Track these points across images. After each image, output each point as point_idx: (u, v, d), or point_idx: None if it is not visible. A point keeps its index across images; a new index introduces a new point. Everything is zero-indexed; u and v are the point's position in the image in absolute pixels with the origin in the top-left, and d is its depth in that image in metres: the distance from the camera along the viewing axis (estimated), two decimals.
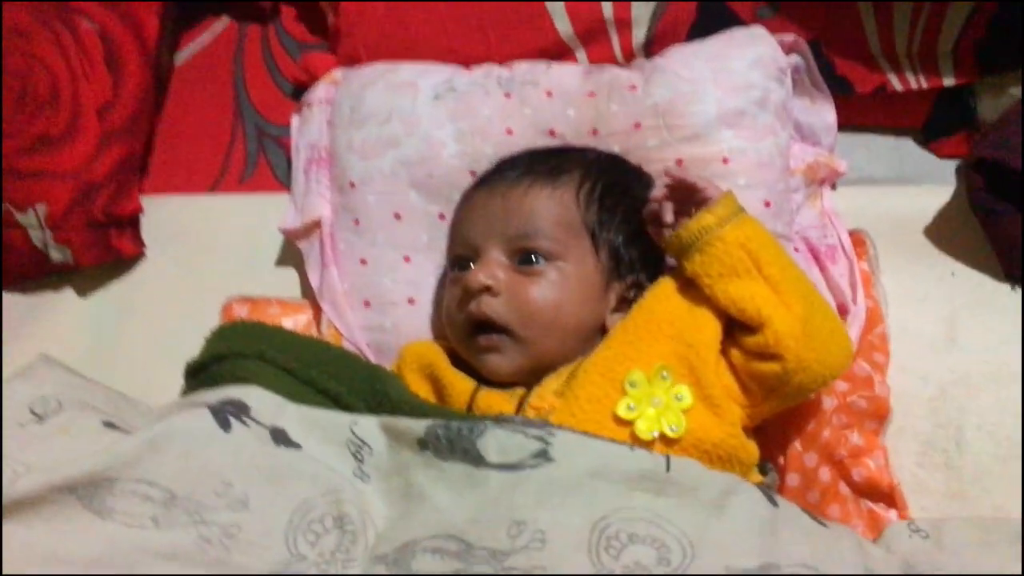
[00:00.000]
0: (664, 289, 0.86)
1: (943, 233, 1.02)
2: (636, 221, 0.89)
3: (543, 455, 0.68)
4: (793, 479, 0.89)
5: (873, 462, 0.90)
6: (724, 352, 0.83)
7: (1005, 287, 0.99)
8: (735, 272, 0.81)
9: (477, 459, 0.69)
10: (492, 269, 0.85)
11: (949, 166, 1.07)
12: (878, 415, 0.91)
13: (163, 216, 1.16)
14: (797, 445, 0.90)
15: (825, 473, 0.89)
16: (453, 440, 0.70)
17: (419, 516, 0.69)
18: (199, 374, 0.85)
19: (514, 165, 0.92)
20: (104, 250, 1.11)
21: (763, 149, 0.97)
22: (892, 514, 0.90)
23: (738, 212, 0.83)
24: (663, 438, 0.78)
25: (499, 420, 0.72)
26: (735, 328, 0.82)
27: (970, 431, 0.93)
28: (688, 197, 0.85)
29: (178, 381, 0.89)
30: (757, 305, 0.80)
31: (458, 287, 0.88)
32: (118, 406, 0.82)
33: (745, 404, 0.82)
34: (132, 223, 1.13)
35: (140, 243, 1.14)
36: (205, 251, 1.14)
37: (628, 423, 0.79)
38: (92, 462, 0.67)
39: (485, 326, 0.85)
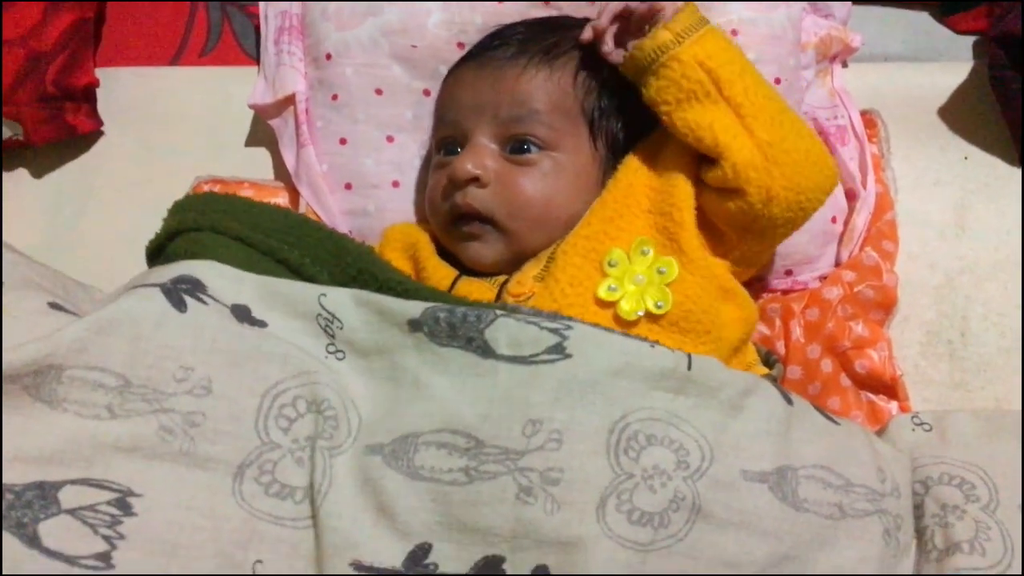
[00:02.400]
0: (637, 158, 0.80)
1: (958, 113, 0.97)
2: (636, 108, 0.82)
3: (559, 349, 0.64)
4: (795, 371, 0.86)
5: (876, 353, 0.87)
6: (699, 207, 0.77)
7: (1018, 171, 0.95)
8: (694, 96, 0.74)
9: (484, 349, 0.64)
10: (481, 158, 0.79)
11: (966, 42, 1.01)
12: (885, 305, 0.88)
13: (121, 90, 1.08)
14: (800, 336, 0.87)
15: (827, 364, 0.86)
16: (456, 325, 0.65)
17: (417, 405, 0.64)
18: (158, 256, 0.78)
19: (507, 41, 0.84)
20: (59, 127, 1.03)
21: (774, 20, 0.90)
22: (893, 406, 0.87)
23: (699, 23, 0.75)
24: (649, 315, 0.74)
25: (509, 309, 0.67)
26: (702, 167, 0.76)
27: (975, 321, 0.90)
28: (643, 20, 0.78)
29: (139, 267, 0.83)
30: (715, 133, 0.73)
31: (443, 173, 0.81)
32: (67, 288, 0.75)
33: (722, 253, 0.78)
34: (87, 97, 1.05)
35: (97, 119, 1.06)
36: (168, 129, 1.06)
37: (610, 304, 0.74)
38: (35, 348, 0.61)
39: (469, 216, 0.79)
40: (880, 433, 0.78)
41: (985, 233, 0.93)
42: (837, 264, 0.91)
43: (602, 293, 0.74)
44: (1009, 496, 0.70)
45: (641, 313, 0.73)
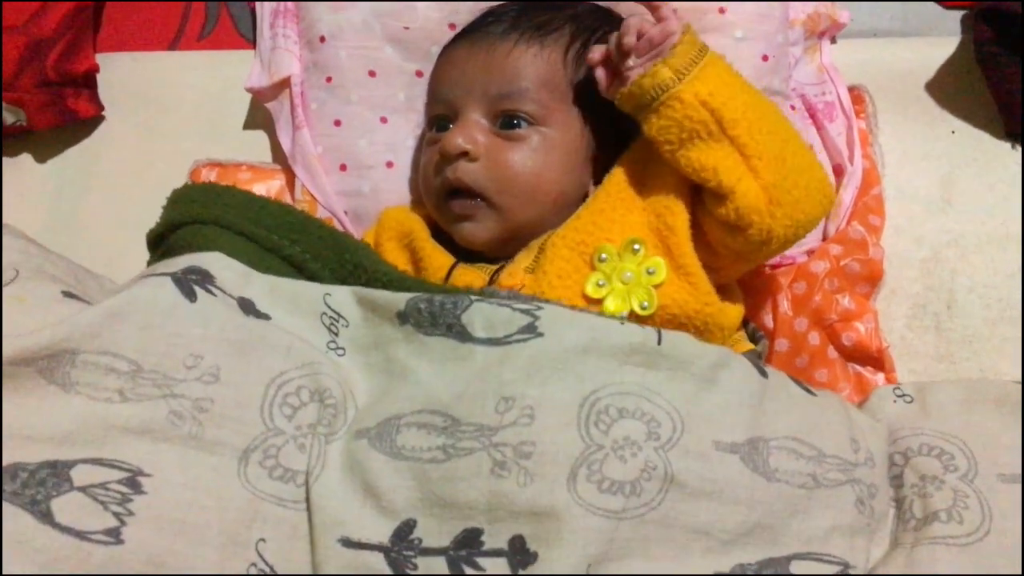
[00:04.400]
0: (636, 154, 0.81)
1: (945, 88, 0.97)
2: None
3: (531, 329, 0.65)
4: (782, 344, 0.88)
5: (863, 326, 0.88)
6: (694, 215, 0.78)
7: (1005, 145, 0.95)
8: (697, 135, 0.74)
9: (461, 333, 0.66)
10: (471, 132, 0.80)
11: (954, 17, 1.01)
12: (871, 278, 0.89)
13: (121, 76, 1.09)
14: (787, 310, 0.88)
15: (815, 337, 0.88)
16: (436, 314, 0.67)
17: (402, 391, 0.66)
18: (160, 244, 0.80)
19: (499, 19, 0.85)
20: (60, 112, 1.04)
21: None
22: (880, 377, 0.89)
23: (699, 57, 0.74)
24: (633, 316, 0.75)
25: (484, 293, 0.69)
26: (703, 192, 0.77)
27: (961, 293, 0.92)
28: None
29: (144, 252, 0.84)
30: (719, 176, 0.74)
31: (435, 149, 0.83)
32: (79, 278, 0.77)
33: (716, 267, 0.79)
34: (88, 83, 1.06)
35: (98, 104, 1.07)
36: (168, 113, 1.08)
37: (597, 302, 0.76)
38: (50, 333, 0.63)
39: (460, 192, 0.81)
40: (862, 404, 0.79)
41: (971, 207, 0.94)
42: (824, 238, 0.92)
43: (589, 289, 0.76)
44: (987, 465, 0.71)
45: (625, 314, 0.75)
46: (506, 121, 0.81)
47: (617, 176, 0.80)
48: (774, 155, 0.74)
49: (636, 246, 0.76)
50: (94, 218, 1.04)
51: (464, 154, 0.80)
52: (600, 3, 0.91)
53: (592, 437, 0.62)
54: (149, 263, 0.82)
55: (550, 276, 0.76)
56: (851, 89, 0.96)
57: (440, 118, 0.84)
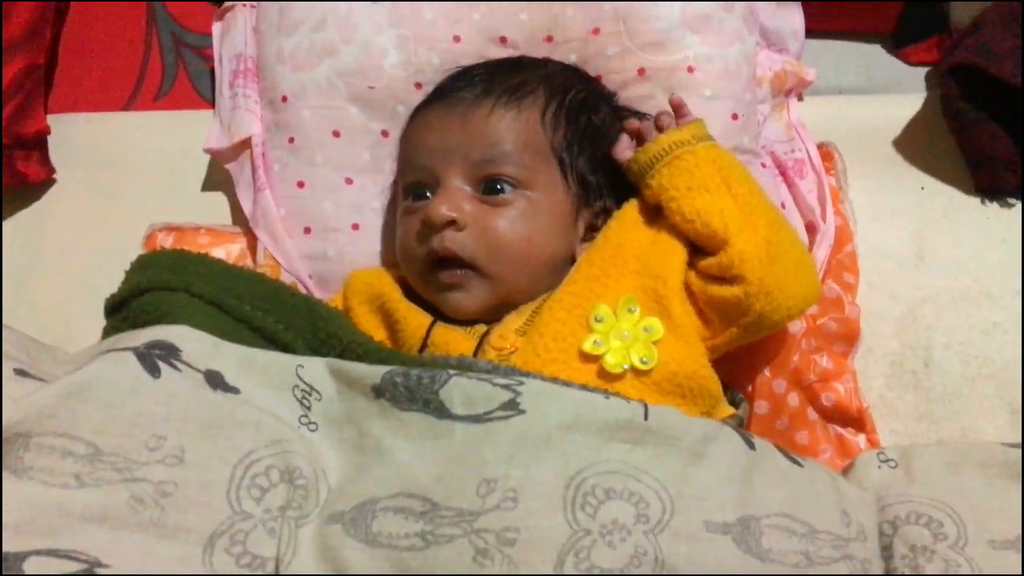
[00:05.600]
0: (628, 217, 0.81)
1: (913, 144, 0.98)
2: (603, 142, 0.83)
3: (512, 406, 0.63)
4: (762, 406, 0.86)
5: (842, 386, 0.87)
6: (685, 283, 0.78)
7: (975, 201, 0.96)
8: (705, 186, 0.77)
9: (439, 410, 0.63)
10: (455, 200, 0.78)
11: (919, 73, 1.03)
12: (848, 337, 0.88)
13: (73, 137, 1.06)
14: (766, 372, 0.87)
15: (794, 399, 0.86)
16: (412, 388, 0.64)
17: (377, 471, 0.63)
18: (119, 311, 0.76)
19: (470, 81, 0.83)
20: (9, 175, 1.01)
21: (730, 56, 0.91)
22: (861, 438, 0.87)
23: (709, 137, 0.80)
24: (634, 371, 0.73)
25: (462, 366, 0.67)
26: (695, 252, 0.78)
27: (938, 350, 0.91)
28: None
29: (97, 321, 0.80)
30: (725, 221, 0.75)
31: (415, 218, 0.80)
32: (31, 352, 0.73)
33: (705, 336, 0.78)
34: (39, 144, 1.03)
35: (48, 167, 1.04)
36: (121, 175, 1.05)
37: (595, 358, 0.74)
38: (4, 415, 0.59)
39: (447, 261, 0.78)
40: (847, 471, 0.77)
41: (944, 263, 0.93)
42: None
43: (587, 347, 0.74)
44: (977, 531, 0.70)
45: (626, 367, 0.73)
46: (489, 186, 0.79)
47: (611, 240, 0.79)
48: (769, 220, 0.78)
49: (632, 307, 0.75)
50: (44, 284, 1.01)
51: (451, 223, 0.78)
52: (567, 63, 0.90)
53: (579, 521, 0.59)
54: (105, 330, 0.78)
55: (545, 339, 0.74)
56: (820, 146, 0.96)
57: (417, 185, 0.82)
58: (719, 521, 0.62)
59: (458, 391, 0.63)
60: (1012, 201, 0.95)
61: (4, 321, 0.79)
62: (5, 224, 1.03)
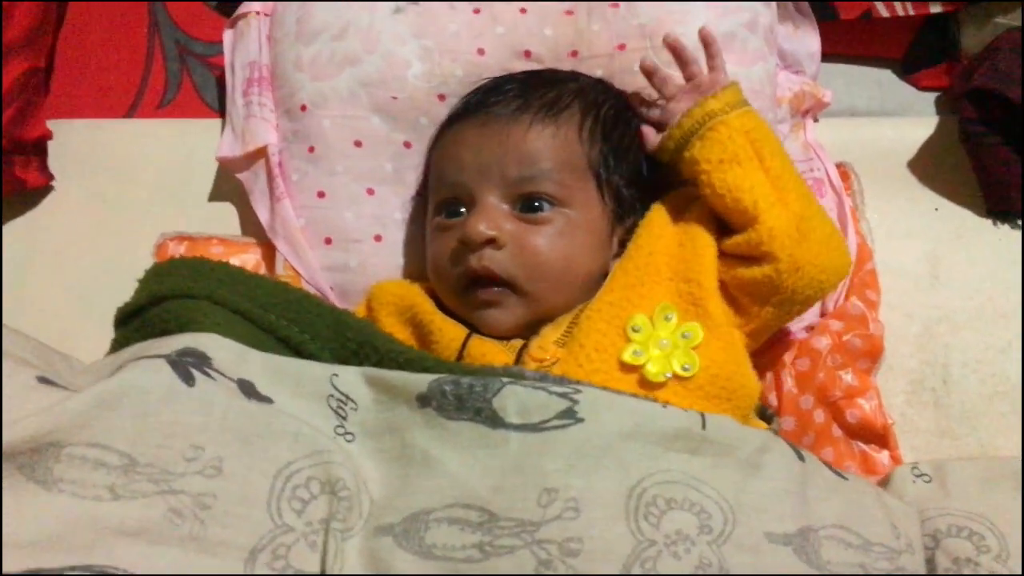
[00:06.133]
0: (656, 222, 0.80)
1: (926, 167, 0.99)
2: (636, 158, 0.82)
3: (570, 414, 0.61)
4: (789, 422, 0.85)
5: (867, 403, 0.87)
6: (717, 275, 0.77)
7: (987, 222, 0.97)
8: (736, 159, 0.76)
9: (493, 419, 0.61)
10: (493, 219, 0.77)
11: (929, 98, 1.04)
12: (872, 354, 0.89)
13: (73, 143, 1.03)
14: (792, 387, 0.86)
15: (820, 415, 0.86)
16: (463, 397, 0.62)
17: (426, 482, 0.61)
18: (131, 321, 0.73)
19: (504, 96, 0.82)
20: (7, 180, 0.97)
21: (753, 75, 0.91)
22: (884, 455, 0.87)
23: (743, 103, 0.79)
24: (677, 378, 0.72)
25: (511, 374, 0.65)
26: (723, 232, 0.78)
27: (956, 369, 0.92)
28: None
29: (94, 331, 0.78)
30: (755, 197, 0.75)
31: (449, 236, 0.79)
32: (49, 360, 0.69)
33: (741, 323, 0.77)
34: (38, 150, 0.99)
35: (47, 173, 1.00)
36: (123, 183, 1.02)
37: (635, 368, 0.73)
38: (35, 423, 0.56)
39: (484, 280, 0.77)
40: (883, 485, 0.77)
41: (959, 283, 0.95)
42: (822, 314, 0.91)
43: (627, 357, 0.73)
44: (1016, 545, 0.70)
45: (669, 375, 0.72)
46: (527, 204, 0.78)
47: (644, 248, 0.78)
48: (801, 194, 0.77)
49: (669, 315, 0.74)
50: (39, 293, 0.97)
51: (489, 241, 0.76)
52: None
53: (643, 532, 0.58)
54: (116, 341, 0.74)
55: (587, 349, 0.73)
56: (838, 166, 0.97)
57: (450, 202, 0.81)
58: (779, 532, 0.61)
59: (513, 399, 0.62)
60: (1021, 223, 0.97)
61: None
62: (4, 230, 0.99)
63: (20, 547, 0.53)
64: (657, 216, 0.80)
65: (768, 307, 0.77)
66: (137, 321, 0.72)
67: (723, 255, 0.77)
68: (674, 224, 0.79)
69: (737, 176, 0.75)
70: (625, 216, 0.81)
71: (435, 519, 0.59)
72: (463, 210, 0.79)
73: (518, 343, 0.76)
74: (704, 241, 0.77)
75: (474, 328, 0.78)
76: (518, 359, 0.75)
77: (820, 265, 0.76)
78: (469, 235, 0.76)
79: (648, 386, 0.72)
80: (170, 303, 0.70)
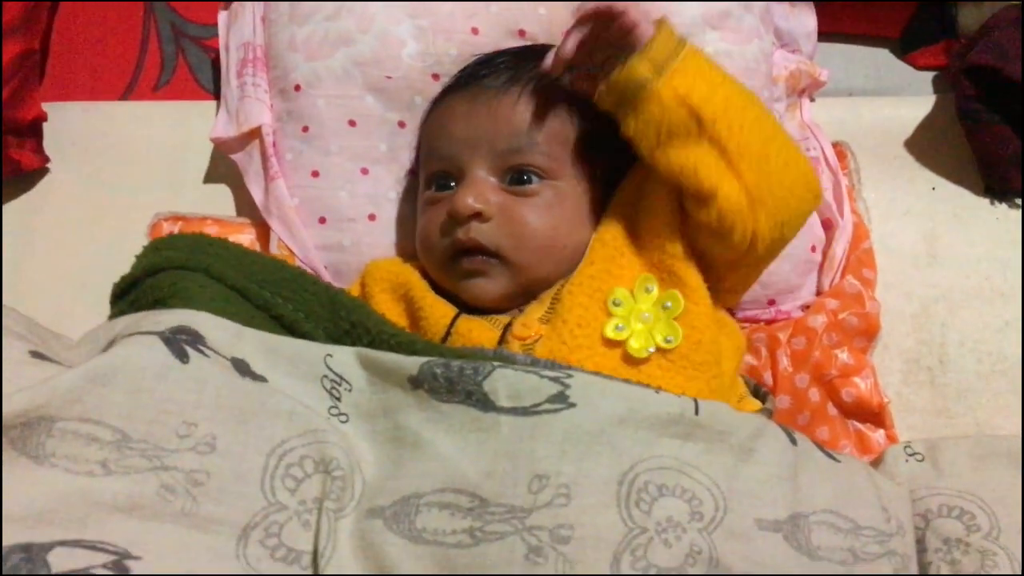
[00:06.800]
0: (629, 191, 0.79)
1: (924, 146, 0.99)
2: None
3: (561, 399, 0.61)
4: (784, 401, 0.85)
5: (863, 381, 0.87)
6: (683, 232, 0.76)
7: (985, 201, 0.97)
8: (674, 135, 0.71)
9: (483, 402, 0.61)
10: (481, 191, 0.76)
11: (926, 77, 1.04)
12: (868, 332, 0.88)
13: (68, 125, 1.03)
14: (787, 366, 0.86)
15: (815, 394, 0.86)
16: (453, 380, 0.62)
17: (418, 465, 0.61)
18: (127, 295, 0.72)
19: (495, 69, 0.82)
20: (3, 163, 0.97)
21: (748, 53, 0.91)
22: (880, 434, 0.87)
23: (677, 49, 0.71)
24: (659, 351, 0.72)
25: (501, 357, 0.65)
26: (686, 200, 0.74)
27: (953, 348, 0.91)
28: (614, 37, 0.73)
29: (89, 312, 0.78)
30: (699, 177, 0.71)
31: (438, 208, 0.79)
32: (42, 337, 0.69)
33: (715, 283, 0.76)
34: (34, 132, 0.99)
35: (43, 155, 1.00)
36: (119, 165, 1.02)
37: (618, 344, 0.73)
38: (27, 397, 0.56)
39: (471, 249, 0.77)
40: (876, 465, 0.77)
41: (956, 262, 0.94)
42: (818, 293, 0.91)
43: (609, 332, 0.72)
44: (1008, 521, 0.70)
45: (652, 350, 0.72)
46: (516, 177, 0.77)
47: (619, 218, 0.78)
48: (756, 153, 0.72)
49: (649, 286, 0.74)
50: (34, 274, 0.97)
51: (476, 215, 0.76)
52: None
53: (634, 519, 0.58)
54: (111, 317, 0.74)
55: (570, 324, 0.73)
56: (834, 145, 0.97)
57: (440, 175, 0.80)
58: (770, 519, 0.61)
59: (503, 383, 0.61)
60: (1019, 202, 0.96)
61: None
62: None
63: (12, 521, 0.53)
64: (629, 185, 0.80)
65: (737, 268, 0.77)
66: (132, 294, 0.72)
67: (690, 220, 0.75)
68: (639, 192, 0.78)
69: (678, 154, 0.71)
70: (610, 190, 0.81)
71: (426, 503, 0.59)
72: (452, 184, 0.79)
73: (504, 319, 0.76)
74: (664, 208, 0.75)
75: (464, 308, 0.78)
76: (503, 337, 0.74)
77: (779, 223, 0.73)
78: (457, 208, 0.76)
79: (632, 361, 0.72)
80: (165, 274, 0.70)
